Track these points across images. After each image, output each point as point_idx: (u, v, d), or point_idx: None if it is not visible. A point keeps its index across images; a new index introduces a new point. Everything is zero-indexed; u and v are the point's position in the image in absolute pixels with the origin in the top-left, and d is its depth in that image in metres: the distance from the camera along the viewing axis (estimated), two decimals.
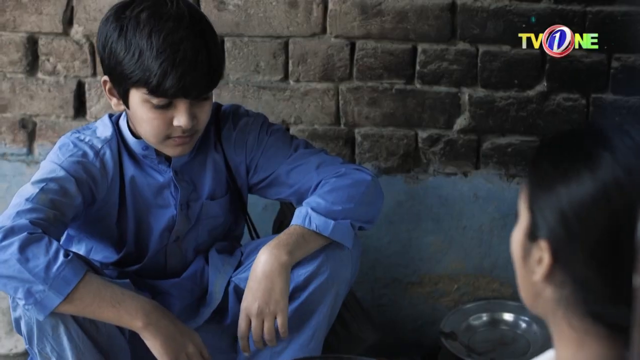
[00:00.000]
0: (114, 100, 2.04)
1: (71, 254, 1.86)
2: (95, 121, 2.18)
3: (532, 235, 1.11)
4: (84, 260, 1.96)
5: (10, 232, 1.83)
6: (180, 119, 1.96)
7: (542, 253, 1.09)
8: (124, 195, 2.12)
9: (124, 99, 2.00)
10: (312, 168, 2.16)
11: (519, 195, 1.16)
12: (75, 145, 2.05)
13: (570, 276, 1.07)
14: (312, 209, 2.05)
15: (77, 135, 2.09)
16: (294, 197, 2.21)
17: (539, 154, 1.16)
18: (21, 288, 1.80)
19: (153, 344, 1.90)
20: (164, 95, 1.92)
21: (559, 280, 1.09)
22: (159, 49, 1.90)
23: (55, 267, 1.80)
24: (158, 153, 2.10)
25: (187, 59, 1.91)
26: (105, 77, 2.02)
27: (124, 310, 1.86)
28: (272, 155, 2.19)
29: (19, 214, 1.87)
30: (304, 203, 2.11)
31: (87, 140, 2.07)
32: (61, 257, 1.82)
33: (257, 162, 2.19)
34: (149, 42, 1.91)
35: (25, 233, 1.82)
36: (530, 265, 1.12)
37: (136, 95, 1.96)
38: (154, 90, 1.92)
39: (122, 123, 2.11)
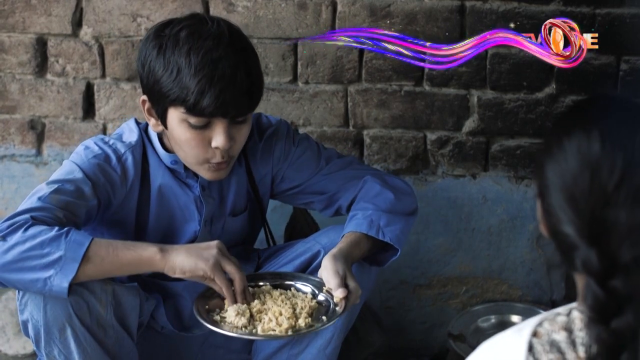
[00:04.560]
0: (152, 121, 2.02)
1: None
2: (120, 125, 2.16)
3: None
4: None
5: (13, 224, 1.83)
6: (218, 140, 1.94)
7: (539, 209, 1.23)
8: (145, 203, 2.10)
9: (162, 118, 1.98)
10: (348, 179, 2.19)
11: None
12: (99, 148, 2.04)
13: (549, 225, 1.20)
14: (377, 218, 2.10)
15: (102, 137, 2.08)
16: (322, 204, 2.22)
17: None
18: (39, 263, 1.79)
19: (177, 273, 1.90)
20: (202, 114, 1.90)
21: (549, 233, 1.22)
22: (197, 66, 1.88)
23: (64, 233, 1.81)
24: (186, 167, 2.09)
25: (225, 77, 1.89)
26: (144, 97, 2.00)
27: (140, 249, 1.85)
28: (301, 166, 2.19)
29: (27, 211, 1.87)
30: (358, 209, 2.14)
31: (111, 143, 2.06)
32: (66, 229, 1.82)
33: (285, 172, 2.20)
34: (187, 60, 1.89)
35: (28, 220, 1.83)
36: (541, 226, 1.25)
37: (174, 115, 1.95)
38: (191, 109, 1.90)
39: (152, 132, 2.09)
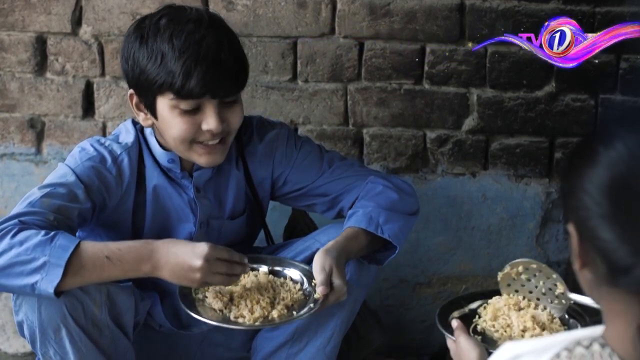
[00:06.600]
0: (141, 115, 2.02)
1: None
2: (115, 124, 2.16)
3: (566, 228, 1.16)
4: None
5: (1, 230, 1.83)
6: (209, 122, 1.94)
7: (574, 237, 1.13)
8: (141, 204, 2.10)
9: (152, 110, 1.98)
10: (351, 181, 2.19)
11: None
12: (95, 149, 2.03)
13: (593, 247, 1.10)
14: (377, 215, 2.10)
15: (98, 139, 2.08)
16: (324, 206, 2.23)
17: (564, 165, 1.20)
18: (25, 269, 1.79)
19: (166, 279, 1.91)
20: (190, 95, 1.91)
21: (590, 258, 1.11)
22: (180, 49, 1.89)
23: (50, 239, 1.80)
24: (183, 168, 2.09)
25: (209, 56, 1.90)
26: (131, 91, 2.00)
27: (127, 265, 1.84)
28: (303, 171, 2.19)
29: (16, 216, 1.87)
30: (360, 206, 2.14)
31: (107, 144, 2.05)
32: (52, 233, 1.81)
33: (286, 176, 2.20)
34: (170, 44, 1.90)
35: (16, 225, 1.83)
36: (574, 258, 1.15)
37: (163, 103, 1.95)
38: (179, 92, 1.90)
39: (148, 132, 2.09)
